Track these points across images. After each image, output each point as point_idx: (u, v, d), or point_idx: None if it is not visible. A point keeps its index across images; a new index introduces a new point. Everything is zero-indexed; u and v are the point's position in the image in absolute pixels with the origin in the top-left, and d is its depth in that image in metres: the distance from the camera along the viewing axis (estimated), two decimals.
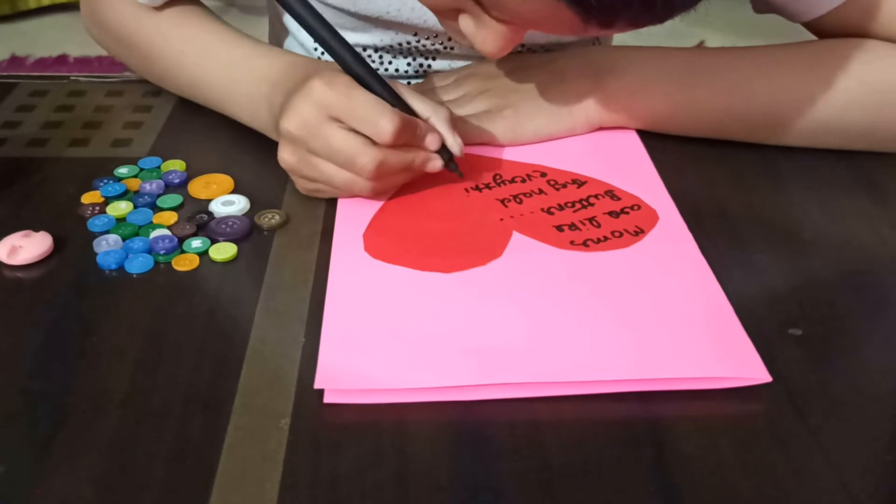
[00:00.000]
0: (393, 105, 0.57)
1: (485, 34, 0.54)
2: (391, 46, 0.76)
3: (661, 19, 0.47)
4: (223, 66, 0.67)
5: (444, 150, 0.60)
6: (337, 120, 0.56)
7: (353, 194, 0.60)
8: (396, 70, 0.78)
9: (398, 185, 0.61)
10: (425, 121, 0.59)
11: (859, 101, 0.65)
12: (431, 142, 0.59)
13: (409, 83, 0.74)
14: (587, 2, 0.45)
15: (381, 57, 0.77)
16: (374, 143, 0.56)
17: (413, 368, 0.48)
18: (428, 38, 0.75)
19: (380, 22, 0.73)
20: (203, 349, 0.50)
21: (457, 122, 0.62)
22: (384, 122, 0.55)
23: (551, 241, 0.58)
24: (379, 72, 0.61)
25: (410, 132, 0.57)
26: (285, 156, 0.59)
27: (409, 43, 0.75)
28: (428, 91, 0.71)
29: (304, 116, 0.56)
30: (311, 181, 0.60)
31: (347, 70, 0.58)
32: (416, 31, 0.74)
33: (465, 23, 0.55)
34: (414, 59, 0.77)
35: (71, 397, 0.46)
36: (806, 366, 0.49)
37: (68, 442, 0.44)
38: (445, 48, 0.76)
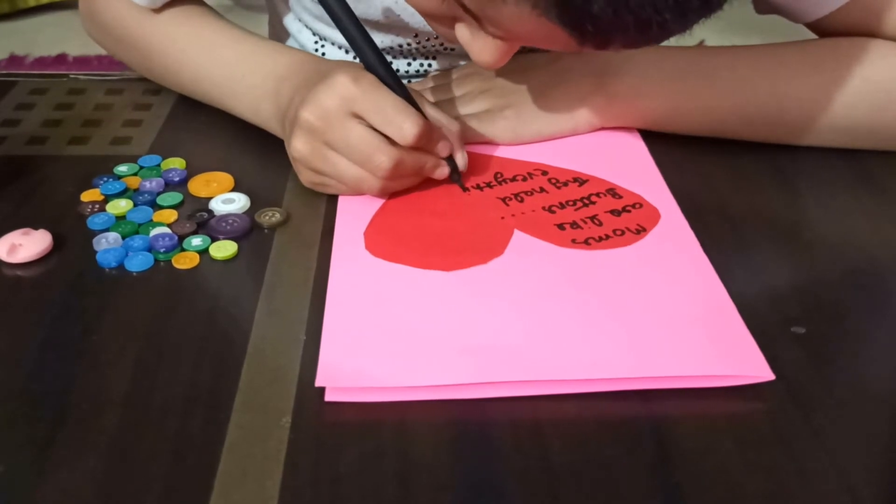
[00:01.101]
0: None
1: (481, 46, 0.54)
2: (391, 47, 0.75)
3: (656, 41, 0.47)
4: (226, 62, 0.67)
5: (449, 160, 0.61)
6: (358, 116, 0.56)
7: (358, 192, 0.60)
8: (397, 70, 0.78)
9: (403, 187, 0.61)
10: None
11: (864, 100, 0.65)
12: (442, 148, 0.60)
13: (408, 83, 0.73)
14: (583, 26, 0.45)
15: None
16: (391, 143, 0.57)
17: (414, 367, 0.47)
18: (428, 40, 0.74)
19: (380, 25, 0.73)
20: (203, 348, 0.49)
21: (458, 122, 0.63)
22: (408, 124, 0.56)
23: (553, 240, 0.58)
24: None
25: (428, 137, 0.58)
26: (298, 144, 0.58)
27: (409, 44, 0.75)
28: (428, 90, 0.70)
29: (326, 108, 0.57)
30: (318, 174, 0.60)
31: (371, 70, 0.58)
32: (416, 32, 0.73)
33: (462, 32, 0.55)
34: (414, 60, 0.77)
35: (71, 397, 0.46)
36: (809, 364, 0.49)
37: (68, 442, 0.44)
38: (445, 49, 0.75)
